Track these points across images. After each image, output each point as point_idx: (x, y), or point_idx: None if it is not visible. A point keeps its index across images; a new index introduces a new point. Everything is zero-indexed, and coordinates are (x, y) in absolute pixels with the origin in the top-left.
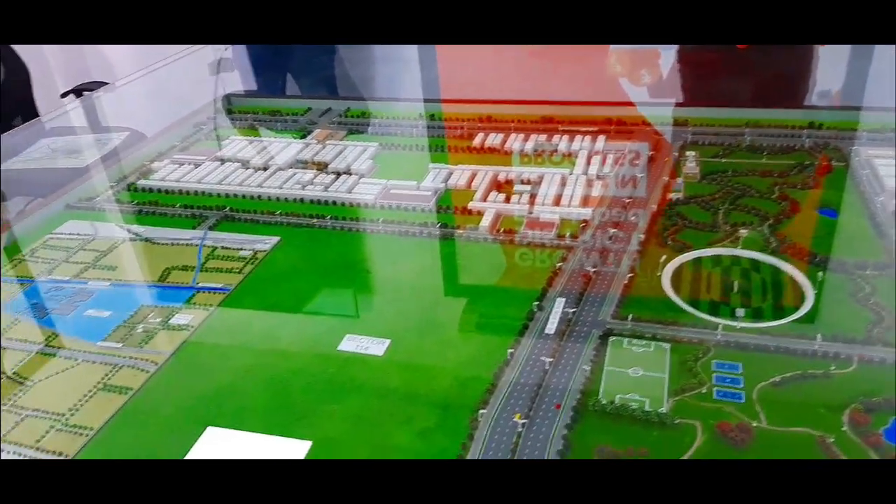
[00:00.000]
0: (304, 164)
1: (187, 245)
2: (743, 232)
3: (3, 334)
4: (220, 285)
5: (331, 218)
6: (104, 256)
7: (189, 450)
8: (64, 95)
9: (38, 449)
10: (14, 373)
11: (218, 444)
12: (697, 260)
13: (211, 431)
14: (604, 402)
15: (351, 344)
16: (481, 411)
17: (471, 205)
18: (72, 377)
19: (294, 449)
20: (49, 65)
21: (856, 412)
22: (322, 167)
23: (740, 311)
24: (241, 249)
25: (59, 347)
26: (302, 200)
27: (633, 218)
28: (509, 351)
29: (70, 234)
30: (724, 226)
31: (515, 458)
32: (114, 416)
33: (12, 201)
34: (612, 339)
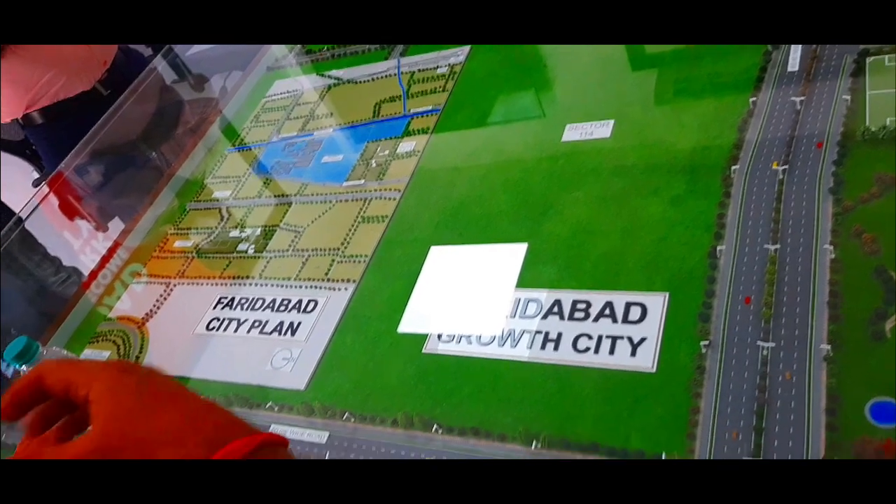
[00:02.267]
0: None
1: (387, 77)
2: None
3: (261, 195)
4: (430, 107)
5: None
6: (318, 106)
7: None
8: None
9: (328, 280)
10: (284, 223)
11: (443, 260)
12: None
13: (435, 250)
14: (873, 129)
15: (574, 133)
16: (733, 168)
17: None
18: (333, 217)
19: (514, 252)
20: None
21: None
22: None
23: None
24: (437, 67)
25: (312, 195)
26: None
27: None
28: (751, 100)
29: (281, 93)
30: None
31: (781, 205)
32: (380, 242)
33: (212, 80)
34: (869, 59)
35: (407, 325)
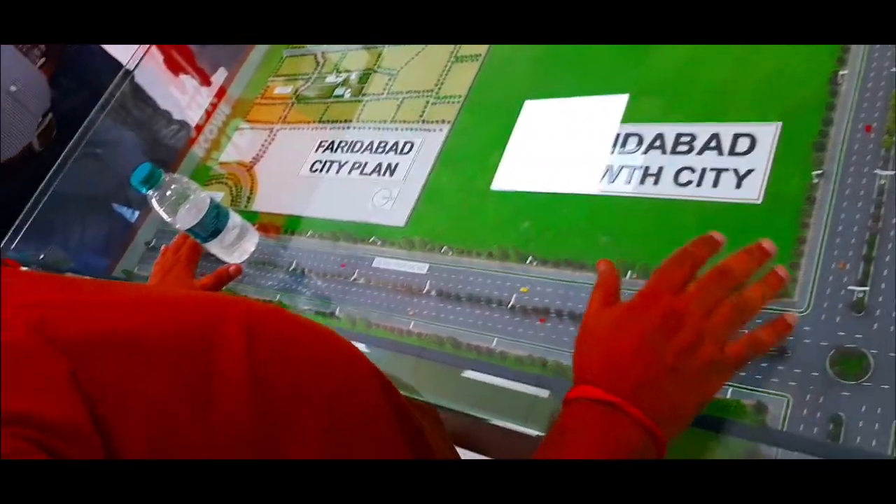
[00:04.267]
0: None
1: None
2: None
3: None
4: None
5: None
6: None
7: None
8: None
9: (423, 121)
10: (378, 67)
11: (538, 115)
12: None
13: (530, 105)
14: None
15: None
16: None
17: None
18: (426, 57)
19: (613, 105)
20: None
21: None
22: None
23: None
24: None
25: None
26: None
27: None
28: None
29: None
30: None
31: None
32: (474, 82)
33: None
34: None
35: (502, 181)
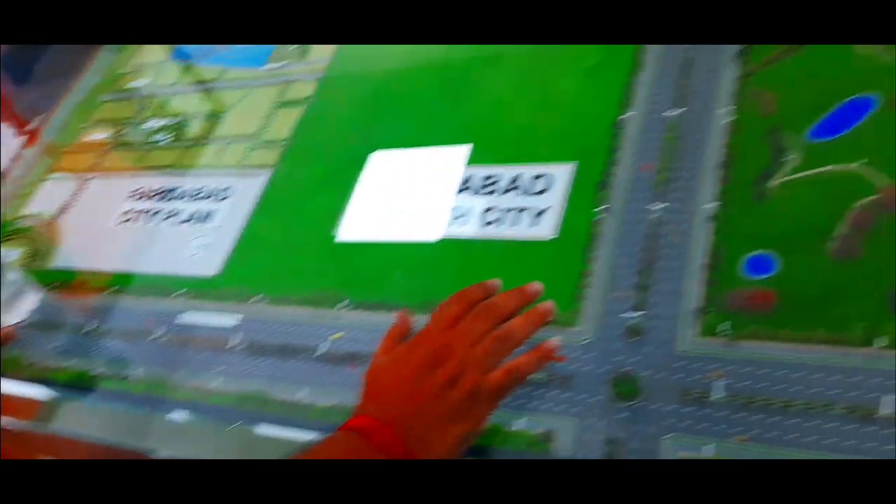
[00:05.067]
0: None
1: None
2: None
3: (178, 82)
4: None
5: None
6: None
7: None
8: None
9: (244, 166)
10: (202, 110)
11: (384, 166)
12: None
13: (377, 156)
14: None
15: None
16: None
17: None
18: (252, 102)
19: (456, 155)
20: None
21: None
22: None
23: None
24: None
25: (231, 80)
26: None
27: None
28: None
29: None
30: None
31: (691, 71)
32: (298, 125)
33: None
34: None
35: (337, 229)
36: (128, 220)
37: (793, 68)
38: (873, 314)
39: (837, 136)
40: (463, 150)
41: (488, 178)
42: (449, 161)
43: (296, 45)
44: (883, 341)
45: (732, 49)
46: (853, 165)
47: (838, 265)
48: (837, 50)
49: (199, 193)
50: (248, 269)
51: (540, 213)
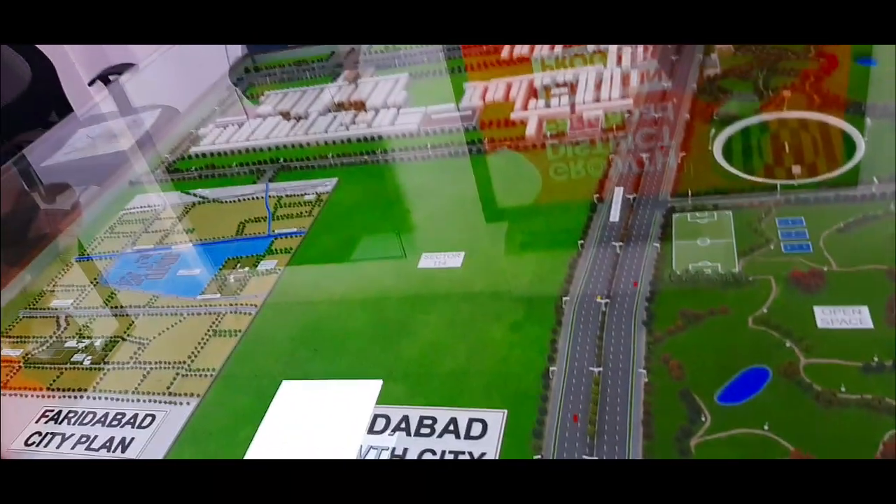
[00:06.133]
0: (341, 106)
1: (253, 199)
2: (786, 93)
3: (108, 304)
4: (294, 229)
5: (380, 152)
6: (179, 222)
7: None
8: (91, 83)
9: (170, 394)
10: (128, 335)
11: (295, 397)
12: (745, 129)
13: (287, 385)
14: (678, 272)
15: (429, 261)
16: (564, 298)
17: (512, 116)
18: (183, 330)
19: (367, 390)
20: (69, 56)
21: None
22: (359, 106)
23: (796, 169)
24: (305, 194)
25: (163, 307)
26: (349, 140)
27: (674, 101)
28: (579, 243)
29: (141, 207)
30: (765, 91)
31: (603, 333)
32: (230, 356)
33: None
34: (675, 216)
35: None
36: (32, 444)
37: (694, 338)
38: None
39: (743, 401)
40: (375, 386)
41: (425, 419)
42: (360, 395)
43: (233, 277)
44: None
45: (640, 316)
46: (761, 431)
47: None
48: (733, 321)
49: (117, 420)
50: None
51: (477, 458)
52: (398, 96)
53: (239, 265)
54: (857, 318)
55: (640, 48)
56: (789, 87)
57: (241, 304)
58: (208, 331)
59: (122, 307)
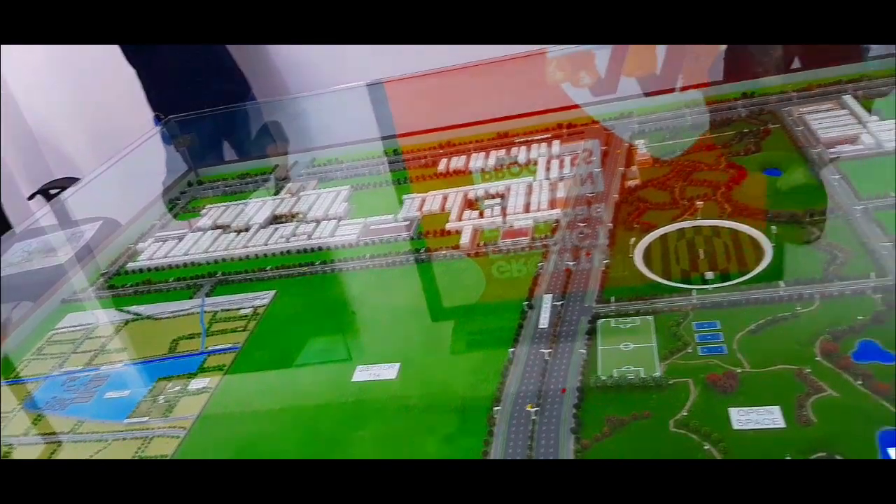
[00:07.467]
0: (282, 219)
1: (188, 315)
2: (699, 204)
3: (29, 432)
4: (228, 345)
5: (320, 263)
6: (111, 341)
7: None
8: (31, 197)
9: None
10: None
11: None
12: (663, 236)
13: None
14: (603, 377)
15: (364, 374)
16: (496, 408)
17: (448, 226)
18: (107, 456)
19: None
20: (9, 168)
21: (825, 342)
22: (301, 218)
23: (709, 275)
24: (241, 308)
25: (87, 433)
26: (289, 252)
27: (598, 210)
28: (510, 350)
29: (72, 326)
30: (681, 201)
31: (534, 443)
32: None
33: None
34: (600, 321)
35: None
36: None
37: (619, 444)
38: None
39: None
40: None
41: None
42: None
43: (163, 400)
44: None
45: (569, 423)
46: None
47: None
48: (655, 425)
49: None
50: None
51: None
52: (339, 208)
53: (170, 385)
54: (770, 418)
55: (568, 159)
56: (702, 197)
57: (170, 427)
58: (133, 456)
59: (45, 434)
